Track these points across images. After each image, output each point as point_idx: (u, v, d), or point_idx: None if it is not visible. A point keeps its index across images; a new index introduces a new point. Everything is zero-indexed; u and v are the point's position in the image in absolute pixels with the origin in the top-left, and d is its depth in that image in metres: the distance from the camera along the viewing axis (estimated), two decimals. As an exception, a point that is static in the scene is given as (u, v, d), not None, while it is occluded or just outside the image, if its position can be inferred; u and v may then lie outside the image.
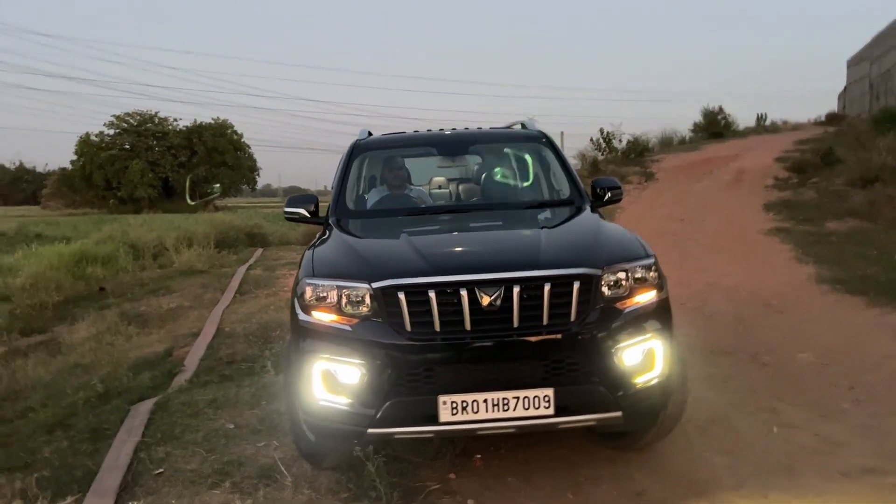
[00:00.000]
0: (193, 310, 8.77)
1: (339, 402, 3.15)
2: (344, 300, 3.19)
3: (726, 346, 5.84)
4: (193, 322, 8.00)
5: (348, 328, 3.15)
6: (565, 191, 4.65)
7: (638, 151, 24.61)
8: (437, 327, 3.06)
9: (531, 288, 3.09)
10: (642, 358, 3.22)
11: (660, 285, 3.37)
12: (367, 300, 3.15)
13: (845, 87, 35.42)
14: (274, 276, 11.03)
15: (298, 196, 4.71)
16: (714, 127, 31.90)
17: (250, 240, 17.40)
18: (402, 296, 3.08)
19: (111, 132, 53.85)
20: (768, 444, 3.94)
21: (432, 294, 3.05)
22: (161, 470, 3.83)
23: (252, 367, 5.70)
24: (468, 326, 3.06)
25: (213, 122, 56.85)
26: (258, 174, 61.59)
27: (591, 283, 3.16)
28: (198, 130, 55.29)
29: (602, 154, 24.94)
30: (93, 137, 53.21)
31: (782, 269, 8.97)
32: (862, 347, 5.69)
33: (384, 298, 3.11)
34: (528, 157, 5.24)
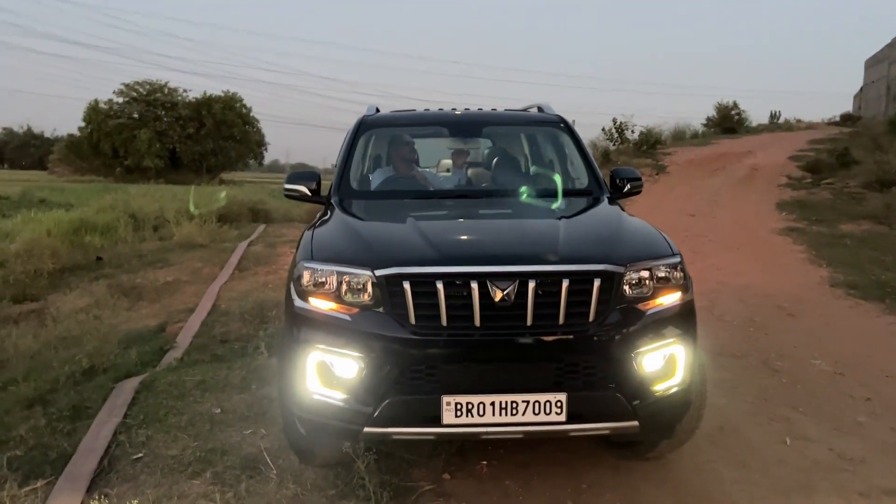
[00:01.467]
0: (190, 284, 8.58)
1: (335, 397, 2.92)
2: (344, 287, 2.96)
3: (737, 349, 5.62)
4: (189, 297, 7.81)
5: (347, 318, 2.92)
6: (583, 180, 4.40)
7: (650, 143, 24.31)
8: (444, 321, 2.83)
9: (548, 284, 2.86)
10: (663, 364, 3.00)
11: (685, 286, 3.14)
12: (369, 288, 2.92)
13: (862, 88, 34.95)
14: (275, 254, 10.85)
15: (300, 172, 4.46)
16: (727, 122, 31.57)
17: (253, 215, 17.18)
18: (407, 285, 2.84)
19: (120, 100, 53.60)
20: (782, 458, 3.74)
21: (440, 285, 2.82)
22: (140, 455, 3.64)
23: (245, 348, 5.51)
24: (477, 322, 2.83)
25: (222, 94, 56.53)
26: (266, 149, 61.43)
27: (612, 282, 2.93)
28: (207, 102, 54.99)
29: (614, 144, 24.67)
30: (102, 105, 52.94)
31: (795, 271, 8.76)
32: (879, 357, 5.49)
33: (388, 287, 2.88)
34: (544, 143, 4.99)
